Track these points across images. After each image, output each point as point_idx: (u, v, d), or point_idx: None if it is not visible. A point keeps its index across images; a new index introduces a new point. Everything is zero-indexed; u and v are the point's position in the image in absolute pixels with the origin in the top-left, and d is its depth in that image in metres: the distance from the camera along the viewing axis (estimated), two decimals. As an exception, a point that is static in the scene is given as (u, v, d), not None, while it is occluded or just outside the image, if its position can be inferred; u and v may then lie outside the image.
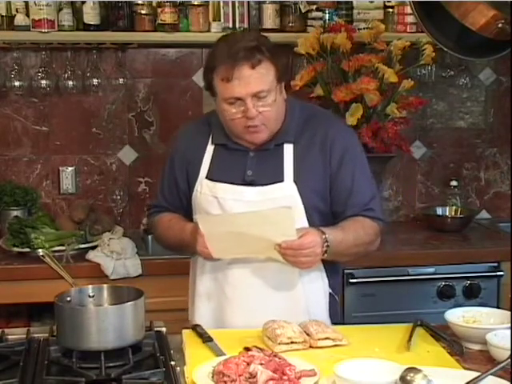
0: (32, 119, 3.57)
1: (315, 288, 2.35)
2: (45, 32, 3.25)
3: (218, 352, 2.00)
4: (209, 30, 3.41)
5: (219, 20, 3.42)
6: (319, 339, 2.06)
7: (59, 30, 3.29)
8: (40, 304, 2.98)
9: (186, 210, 2.42)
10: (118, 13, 3.34)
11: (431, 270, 3.25)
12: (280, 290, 2.30)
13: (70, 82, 3.46)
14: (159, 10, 3.34)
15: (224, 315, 2.33)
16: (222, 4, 3.43)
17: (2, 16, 3.28)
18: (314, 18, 3.49)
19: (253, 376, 1.77)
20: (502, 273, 3.27)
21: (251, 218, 2.16)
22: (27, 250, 3.10)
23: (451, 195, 3.83)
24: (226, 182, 2.31)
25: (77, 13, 3.34)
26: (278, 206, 2.18)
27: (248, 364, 1.81)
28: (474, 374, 1.79)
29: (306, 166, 2.29)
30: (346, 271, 3.13)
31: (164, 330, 2.16)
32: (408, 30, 3.52)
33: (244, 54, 2.16)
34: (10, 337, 2.13)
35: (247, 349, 1.96)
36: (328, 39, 3.29)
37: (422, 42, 3.31)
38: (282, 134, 2.31)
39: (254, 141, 2.29)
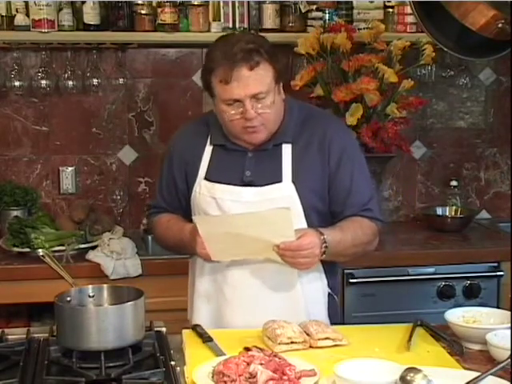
0: (32, 119, 3.57)
1: (314, 288, 2.35)
2: (45, 32, 3.25)
3: (218, 352, 2.00)
4: (209, 30, 3.41)
5: (219, 20, 3.42)
6: (319, 339, 2.06)
7: (59, 30, 3.29)
8: (40, 304, 2.98)
9: (184, 210, 2.42)
10: (118, 13, 3.34)
11: (431, 270, 3.25)
12: (279, 290, 2.30)
13: (70, 82, 3.46)
14: (159, 10, 3.34)
15: (223, 316, 2.33)
16: (222, 4, 3.43)
17: (2, 16, 3.28)
18: (314, 18, 3.49)
19: (253, 376, 1.77)
20: (502, 273, 3.27)
21: (249, 219, 2.16)
22: (27, 250, 3.10)
23: (451, 195, 3.83)
24: (224, 183, 2.31)
25: (77, 13, 3.34)
26: (276, 206, 2.18)
27: (248, 364, 1.81)
28: (474, 374, 1.79)
29: (304, 166, 2.29)
30: (345, 271, 3.14)
31: (164, 329, 2.15)
32: (408, 30, 3.52)
33: (242, 56, 2.15)
34: (10, 337, 2.13)
35: (247, 349, 1.96)
36: (328, 39, 3.29)
37: (422, 42, 3.31)
38: (280, 134, 2.31)
39: (253, 141, 2.29)
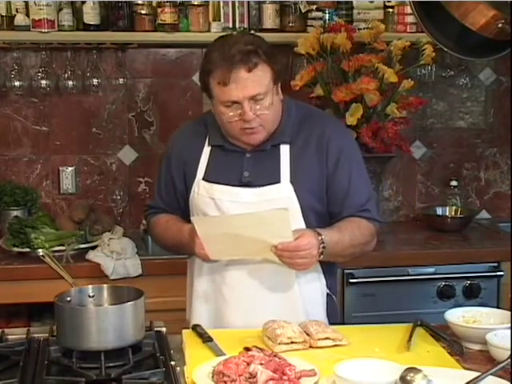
0: (32, 119, 3.57)
1: (312, 289, 2.35)
2: (45, 32, 3.25)
3: (218, 352, 2.00)
4: (209, 30, 3.40)
5: (219, 20, 3.42)
6: (319, 339, 2.06)
7: (59, 30, 3.29)
8: (40, 304, 2.98)
9: (183, 211, 2.42)
10: (118, 13, 3.34)
11: (431, 270, 3.25)
12: (277, 291, 2.30)
13: (70, 82, 3.46)
14: (159, 10, 3.34)
15: (222, 316, 2.33)
16: (222, 4, 3.43)
17: (2, 16, 3.28)
18: (314, 18, 3.49)
19: (253, 376, 1.77)
20: (502, 273, 3.27)
21: (247, 219, 2.16)
22: (27, 250, 3.10)
23: (451, 195, 3.83)
24: (222, 184, 2.31)
25: (77, 13, 3.34)
26: (274, 207, 2.17)
27: (248, 364, 1.81)
28: (474, 374, 1.79)
29: (302, 167, 2.29)
30: (346, 271, 3.14)
31: (164, 330, 2.16)
32: (408, 30, 3.52)
33: (240, 58, 2.15)
34: (10, 337, 2.13)
35: (247, 349, 1.96)
36: (328, 39, 3.28)
37: (422, 42, 3.31)
38: (278, 134, 2.30)
39: (251, 142, 2.29)
